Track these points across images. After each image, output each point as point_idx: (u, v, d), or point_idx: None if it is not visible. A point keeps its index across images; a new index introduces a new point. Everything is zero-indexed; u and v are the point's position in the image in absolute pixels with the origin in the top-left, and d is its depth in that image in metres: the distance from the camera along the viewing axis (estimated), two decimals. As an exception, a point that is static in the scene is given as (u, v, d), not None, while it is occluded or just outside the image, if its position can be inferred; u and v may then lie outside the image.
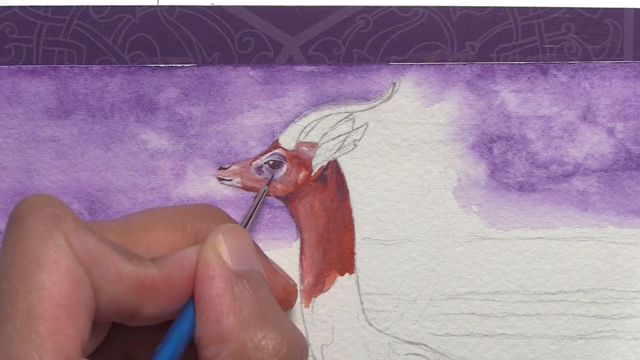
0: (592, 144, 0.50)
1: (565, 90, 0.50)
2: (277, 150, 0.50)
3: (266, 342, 0.39)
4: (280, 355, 0.39)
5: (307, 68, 0.50)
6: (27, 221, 0.37)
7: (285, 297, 0.46)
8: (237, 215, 0.49)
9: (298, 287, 0.50)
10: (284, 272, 0.47)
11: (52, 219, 0.37)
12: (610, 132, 0.50)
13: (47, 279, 0.36)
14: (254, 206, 0.47)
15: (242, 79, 0.50)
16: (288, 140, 0.50)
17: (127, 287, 0.38)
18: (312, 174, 0.50)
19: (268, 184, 0.49)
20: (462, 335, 0.50)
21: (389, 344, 0.50)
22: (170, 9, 0.50)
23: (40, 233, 0.37)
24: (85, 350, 0.37)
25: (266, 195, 0.50)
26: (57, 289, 0.36)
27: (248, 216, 0.46)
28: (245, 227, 0.45)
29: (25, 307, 0.35)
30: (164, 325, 0.41)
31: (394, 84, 0.50)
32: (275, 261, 0.48)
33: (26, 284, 0.36)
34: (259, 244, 0.49)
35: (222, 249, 0.41)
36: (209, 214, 0.44)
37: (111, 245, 0.39)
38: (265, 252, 0.49)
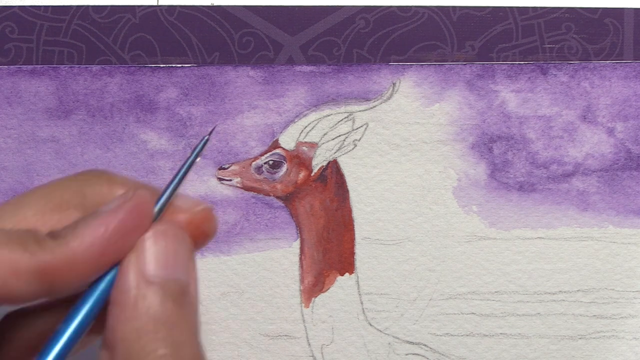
0: (592, 144, 0.50)
1: (565, 90, 0.50)
2: (277, 150, 0.50)
3: (157, 357, 0.35)
4: None
5: (307, 68, 0.50)
6: None
7: (194, 231, 0.39)
8: (236, 215, 0.49)
9: (298, 287, 0.49)
10: (193, 201, 0.39)
11: None
12: (610, 132, 0.50)
13: None
14: (180, 175, 0.38)
15: (242, 79, 0.50)
16: (288, 140, 0.50)
17: (28, 281, 0.35)
18: (312, 174, 0.50)
19: (209, 135, 0.39)
20: (462, 335, 0.50)
21: (389, 344, 0.50)
22: (170, 8, 0.50)
23: None
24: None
25: (266, 195, 0.50)
26: None
27: (169, 192, 0.38)
28: (164, 205, 0.38)
29: None
30: None
31: (394, 84, 0.50)
32: (275, 261, 0.48)
33: None
34: (259, 244, 0.49)
35: (144, 249, 0.37)
36: (83, 184, 0.39)
37: (1, 236, 0.35)
38: (266, 252, 0.49)
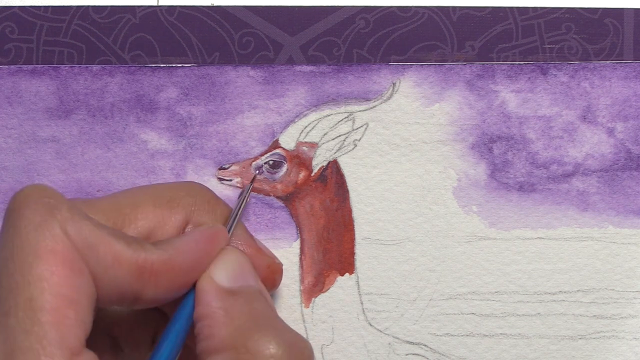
0: (592, 144, 0.50)
1: (565, 90, 0.50)
2: (277, 150, 0.50)
3: (259, 346, 0.39)
4: (277, 357, 0.39)
5: (307, 68, 0.50)
6: (22, 213, 0.37)
7: (269, 276, 0.46)
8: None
9: (298, 288, 0.50)
10: (269, 251, 0.47)
11: (47, 209, 0.37)
12: (610, 132, 0.50)
13: (46, 270, 0.36)
14: (239, 206, 0.47)
15: (242, 79, 0.50)
16: (288, 140, 0.50)
17: (126, 273, 0.38)
18: (312, 174, 0.50)
19: (251, 182, 0.49)
20: (462, 335, 0.50)
21: (389, 344, 0.50)
22: (170, 9, 0.50)
23: (36, 224, 0.37)
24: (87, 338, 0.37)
25: (266, 195, 0.50)
26: (56, 279, 0.36)
27: (233, 217, 0.45)
28: (231, 228, 0.45)
29: (26, 299, 0.35)
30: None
31: (394, 84, 0.50)
32: (275, 261, 0.48)
33: (25, 276, 0.36)
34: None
35: (215, 271, 0.41)
36: (196, 193, 0.45)
37: (109, 230, 0.39)
38: (265, 252, 0.49)
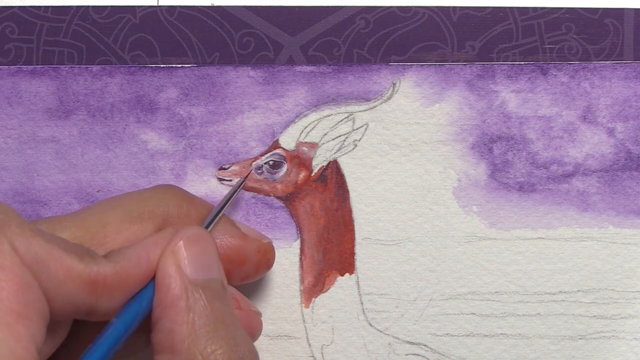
0: (592, 144, 0.50)
1: (566, 90, 0.50)
2: (277, 151, 0.50)
3: (215, 356, 0.39)
4: None
5: (307, 68, 0.50)
6: None
7: (260, 259, 0.46)
8: (235, 215, 0.49)
9: (298, 288, 0.50)
10: (256, 232, 0.47)
11: None
12: (611, 132, 0.50)
13: None
14: (228, 197, 0.46)
15: (242, 79, 0.50)
16: (288, 140, 0.50)
17: (78, 287, 0.38)
18: (312, 174, 0.50)
19: (243, 181, 0.48)
20: (462, 336, 0.50)
21: (389, 344, 0.50)
22: (170, 9, 0.50)
23: None
24: (43, 352, 0.37)
25: (266, 195, 0.50)
26: (5, 294, 0.36)
27: (217, 211, 0.45)
28: (212, 221, 0.44)
29: None
30: None
31: (394, 84, 0.50)
32: (275, 261, 0.48)
33: None
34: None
35: (181, 256, 0.40)
36: (168, 198, 0.44)
37: (60, 244, 0.38)
38: (266, 253, 0.49)
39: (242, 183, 0.48)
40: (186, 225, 0.42)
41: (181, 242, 0.40)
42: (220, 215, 0.44)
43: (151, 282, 0.40)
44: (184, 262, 0.40)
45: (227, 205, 0.45)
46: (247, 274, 0.45)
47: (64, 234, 0.41)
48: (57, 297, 0.38)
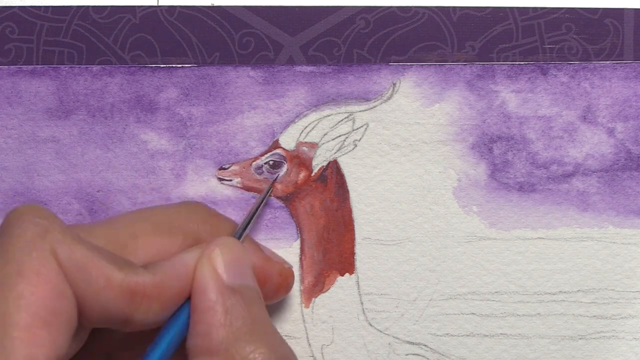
0: (592, 144, 0.50)
1: (566, 90, 0.50)
2: (277, 151, 0.50)
3: (254, 356, 0.39)
4: None
5: (307, 68, 0.50)
6: (13, 231, 0.38)
7: (281, 282, 0.46)
8: (236, 215, 0.49)
9: (298, 288, 0.50)
10: (279, 256, 0.48)
11: (39, 230, 0.38)
12: (611, 132, 0.50)
13: (26, 289, 0.36)
14: (255, 209, 0.47)
15: (242, 79, 0.50)
16: (288, 140, 0.50)
17: (117, 295, 0.38)
18: (312, 174, 0.50)
19: (271, 186, 0.49)
20: (462, 336, 0.50)
21: (389, 344, 0.50)
22: (170, 9, 0.50)
23: (25, 244, 0.37)
24: (62, 357, 0.37)
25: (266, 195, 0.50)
26: (34, 299, 0.36)
27: (247, 221, 0.46)
28: (243, 232, 0.45)
29: (2, 314, 0.36)
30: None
31: (394, 84, 0.50)
32: (275, 260, 0.48)
33: (5, 292, 0.36)
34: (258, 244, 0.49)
35: (218, 262, 0.41)
36: (196, 214, 0.45)
37: (101, 253, 0.39)
38: (266, 253, 0.49)
39: (268, 193, 0.48)
40: (220, 236, 0.43)
41: (217, 248, 0.41)
42: (249, 226, 0.46)
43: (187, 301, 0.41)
44: (220, 268, 0.41)
45: (255, 216, 0.46)
46: (266, 295, 0.45)
47: (97, 243, 0.41)
48: (94, 305, 0.38)
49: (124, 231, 0.42)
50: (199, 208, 0.45)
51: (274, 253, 0.47)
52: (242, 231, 0.45)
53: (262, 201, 0.48)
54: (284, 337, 0.49)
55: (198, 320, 0.40)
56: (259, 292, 0.42)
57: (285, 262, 0.47)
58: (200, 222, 0.44)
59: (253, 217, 0.46)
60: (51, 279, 0.37)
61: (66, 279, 0.37)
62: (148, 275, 0.39)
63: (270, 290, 0.46)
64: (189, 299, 0.41)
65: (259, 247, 0.46)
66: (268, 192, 0.49)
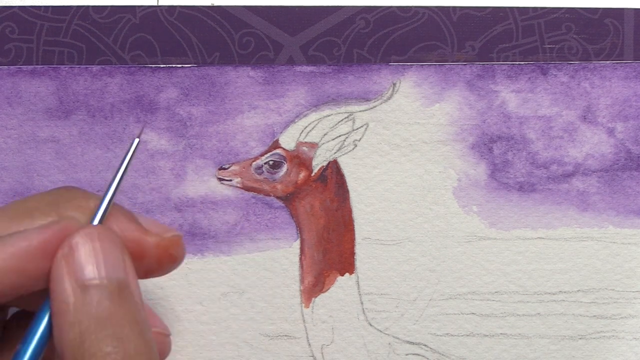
0: (592, 144, 0.50)
1: (566, 90, 0.50)
2: (277, 151, 0.50)
3: (101, 355, 0.37)
4: None
5: (307, 68, 0.50)
6: None
7: (161, 254, 0.42)
8: (236, 215, 0.49)
9: (298, 288, 0.50)
10: (162, 227, 0.43)
11: None
12: (611, 132, 0.50)
13: None
14: (113, 180, 0.41)
15: (242, 80, 0.50)
16: (288, 140, 0.50)
17: None
18: (312, 174, 0.50)
19: (134, 146, 0.41)
20: (462, 335, 0.50)
21: (389, 344, 0.50)
22: (170, 9, 0.50)
23: None
24: None
25: (266, 195, 0.50)
26: None
27: (106, 199, 0.41)
28: (104, 213, 0.41)
29: None
30: None
31: (394, 84, 0.50)
32: (275, 261, 0.48)
33: None
34: (259, 244, 0.49)
35: (71, 259, 0.39)
36: (58, 192, 0.42)
37: None
38: (266, 252, 0.49)
39: (126, 158, 0.41)
40: (76, 227, 0.40)
41: (72, 243, 0.39)
42: (108, 203, 0.41)
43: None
44: (75, 261, 0.39)
45: (114, 191, 0.41)
46: (149, 269, 0.42)
47: None
48: None
49: None
50: (65, 189, 0.42)
51: (155, 223, 0.43)
52: (102, 213, 0.40)
53: (123, 168, 0.41)
54: (284, 337, 0.50)
55: (54, 321, 0.38)
56: (122, 282, 0.39)
57: (167, 231, 0.42)
58: (63, 200, 0.41)
59: (114, 191, 0.41)
60: None
61: None
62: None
63: (152, 264, 0.42)
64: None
65: (132, 219, 0.42)
66: (128, 151, 0.41)
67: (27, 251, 0.38)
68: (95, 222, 0.40)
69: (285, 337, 0.50)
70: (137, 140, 0.41)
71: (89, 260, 0.39)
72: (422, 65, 0.50)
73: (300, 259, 0.50)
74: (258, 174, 0.50)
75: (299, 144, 0.50)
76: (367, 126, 0.50)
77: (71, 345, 0.38)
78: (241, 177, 0.50)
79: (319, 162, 0.50)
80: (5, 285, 0.38)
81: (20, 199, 0.42)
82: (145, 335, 0.39)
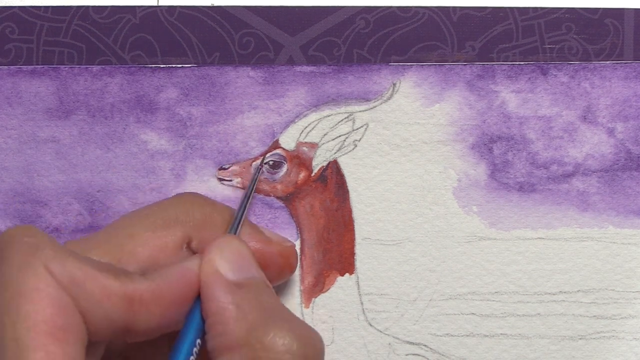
0: (592, 144, 0.50)
1: (566, 90, 0.50)
2: (277, 151, 0.50)
3: (275, 341, 0.39)
4: (292, 352, 0.39)
5: (307, 68, 0.50)
6: (6, 254, 0.37)
7: (284, 262, 0.46)
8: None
9: (298, 288, 0.50)
10: (279, 236, 0.47)
11: (30, 249, 0.37)
12: (611, 132, 0.50)
13: (31, 309, 0.36)
14: (246, 198, 0.47)
15: (242, 80, 0.50)
16: (288, 140, 0.50)
17: (116, 304, 0.38)
18: (312, 174, 0.50)
19: (259, 169, 0.49)
20: (462, 336, 0.50)
21: (389, 344, 0.50)
22: (170, 9, 0.50)
23: (19, 264, 0.37)
24: None
25: (266, 195, 0.50)
26: (40, 317, 0.36)
27: (240, 213, 0.45)
28: (238, 224, 0.45)
29: (13, 339, 0.36)
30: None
31: (394, 84, 0.50)
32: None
33: (11, 316, 0.36)
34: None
35: (219, 263, 0.41)
36: (191, 204, 0.45)
37: (95, 265, 0.39)
38: (266, 253, 0.49)
39: (254, 182, 0.48)
40: (215, 236, 0.43)
41: (214, 249, 0.41)
42: (243, 218, 0.45)
43: (197, 302, 0.41)
44: (222, 268, 0.41)
45: (246, 208, 0.46)
46: (270, 277, 0.45)
47: (95, 252, 0.41)
48: (94, 317, 0.38)
49: (120, 233, 0.42)
50: (192, 197, 0.45)
51: (273, 233, 0.47)
52: (237, 224, 0.45)
53: (252, 188, 0.47)
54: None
55: (213, 323, 0.40)
56: (266, 281, 0.42)
57: (286, 240, 0.47)
58: (196, 212, 0.44)
59: (245, 207, 0.46)
60: (51, 294, 0.37)
61: (66, 293, 0.37)
62: (145, 282, 0.39)
63: (274, 272, 0.46)
64: (197, 301, 0.41)
65: (258, 230, 0.46)
66: (256, 177, 0.48)
67: (176, 279, 0.41)
68: (231, 231, 0.44)
69: (285, 337, 0.50)
70: (261, 166, 0.49)
71: (235, 263, 0.41)
72: (422, 65, 0.50)
73: (300, 259, 0.50)
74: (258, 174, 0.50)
75: (299, 144, 0.50)
76: (367, 126, 0.50)
77: (241, 340, 0.39)
78: (241, 178, 0.50)
79: (319, 162, 0.50)
80: (155, 317, 0.40)
81: (148, 207, 0.45)
82: (306, 324, 0.42)
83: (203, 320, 0.41)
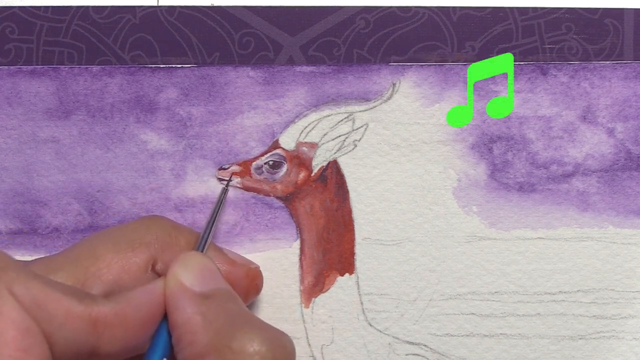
0: (592, 144, 0.50)
1: (565, 90, 0.50)
2: (277, 151, 0.50)
3: (243, 344, 0.39)
4: (261, 353, 0.39)
5: (307, 68, 0.50)
6: None
7: (250, 283, 0.47)
8: (235, 215, 0.49)
9: (298, 288, 0.50)
10: (244, 258, 0.47)
11: None
12: (610, 132, 0.50)
13: None
14: (212, 218, 0.47)
15: (242, 80, 0.50)
16: (288, 140, 0.50)
17: (79, 327, 0.38)
18: (312, 174, 0.50)
19: (225, 190, 0.49)
20: (462, 336, 0.50)
21: (389, 344, 0.50)
22: (170, 9, 0.50)
23: None
24: None
25: (266, 195, 0.50)
26: (3, 340, 0.36)
27: (206, 232, 0.46)
28: (204, 243, 0.45)
29: None
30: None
31: (394, 84, 0.50)
32: (275, 261, 0.48)
33: None
34: (259, 245, 0.49)
35: (183, 275, 0.41)
36: (155, 226, 0.45)
37: (58, 287, 0.38)
38: (266, 252, 0.49)
39: (219, 203, 0.48)
40: (181, 246, 0.44)
41: (178, 264, 0.41)
42: (209, 239, 0.45)
43: (164, 321, 0.41)
44: (187, 281, 0.41)
45: (212, 229, 0.46)
46: None
47: (60, 274, 0.41)
48: (58, 339, 0.38)
49: (84, 254, 0.42)
50: (158, 220, 0.45)
51: (238, 255, 0.47)
52: (203, 243, 0.45)
53: (217, 209, 0.48)
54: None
55: (181, 335, 0.40)
56: (232, 291, 0.42)
57: (251, 263, 0.47)
58: (160, 234, 0.44)
59: (211, 228, 0.46)
60: (14, 317, 0.36)
61: (29, 316, 0.37)
62: (109, 304, 0.39)
63: (240, 294, 0.45)
64: (164, 321, 0.41)
65: (222, 252, 0.46)
66: (222, 198, 0.48)
67: (140, 303, 0.40)
68: (197, 249, 0.45)
69: (285, 337, 0.50)
70: (226, 189, 0.49)
71: (200, 275, 0.41)
72: (422, 65, 0.50)
73: (300, 259, 0.50)
74: (258, 174, 0.50)
75: (299, 144, 0.50)
76: (367, 126, 0.50)
77: (210, 347, 0.39)
78: (241, 177, 0.50)
79: (318, 162, 0.50)
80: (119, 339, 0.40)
81: (112, 228, 0.45)
82: (274, 327, 0.41)
83: (170, 338, 0.41)
